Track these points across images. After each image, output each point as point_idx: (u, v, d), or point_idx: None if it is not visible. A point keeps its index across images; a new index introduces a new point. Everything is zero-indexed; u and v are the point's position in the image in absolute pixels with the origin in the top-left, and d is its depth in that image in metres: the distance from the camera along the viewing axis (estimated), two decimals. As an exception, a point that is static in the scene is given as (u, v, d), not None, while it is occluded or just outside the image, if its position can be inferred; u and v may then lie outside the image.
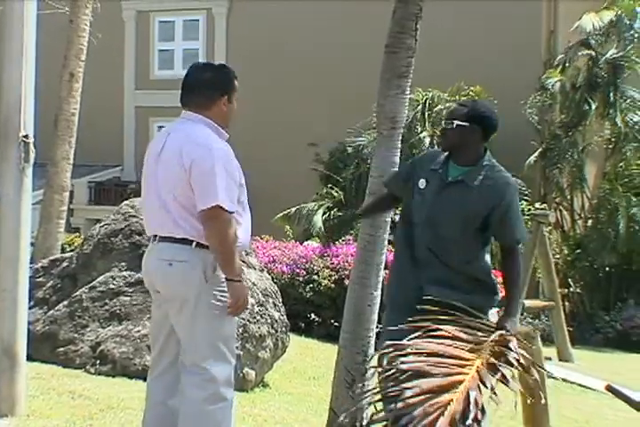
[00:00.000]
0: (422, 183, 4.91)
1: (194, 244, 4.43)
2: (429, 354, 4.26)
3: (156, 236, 4.55)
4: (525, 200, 18.53)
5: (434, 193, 4.87)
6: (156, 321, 4.72)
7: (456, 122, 4.86)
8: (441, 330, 4.39)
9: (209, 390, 4.46)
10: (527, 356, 4.46)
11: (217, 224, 4.36)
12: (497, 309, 14.81)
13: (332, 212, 19.48)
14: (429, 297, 4.65)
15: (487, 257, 4.96)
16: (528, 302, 14.20)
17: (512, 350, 4.39)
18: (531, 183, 20.75)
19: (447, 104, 20.35)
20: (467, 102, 5.11)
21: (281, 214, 18.93)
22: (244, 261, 7.78)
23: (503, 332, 4.55)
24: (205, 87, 4.58)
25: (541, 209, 16.21)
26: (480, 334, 4.50)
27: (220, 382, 4.49)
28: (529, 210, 16.08)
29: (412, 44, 5.54)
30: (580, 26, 20.77)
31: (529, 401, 4.42)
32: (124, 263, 7.97)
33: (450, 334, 4.38)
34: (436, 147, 5.00)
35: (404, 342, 4.32)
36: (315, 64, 23.94)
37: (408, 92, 5.68)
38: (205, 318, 4.46)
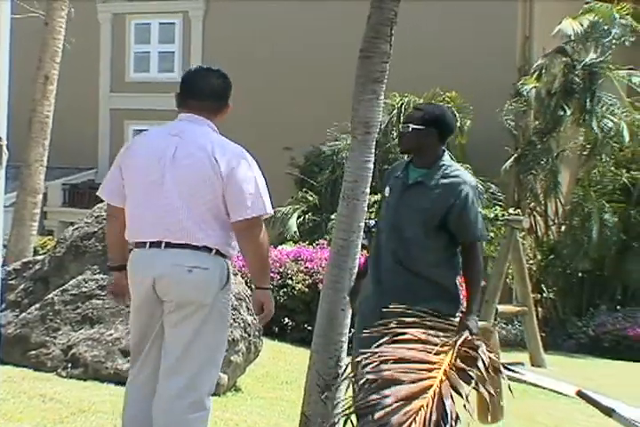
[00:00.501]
0: (387, 191, 5.08)
1: (213, 251, 4.39)
2: (396, 360, 4.28)
3: (158, 242, 4.40)
4: (499, 205, 18.62)
5: (396, 197, 5.01)
6: (141, 328, 4.57)
7: (411, 126, 5.00)
8: (407, 334, 4.43)
9: (192, 398, 4.39)
10: (495, 359, 4.50)
11: (258, 233, 4.38)
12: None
13: (307, 216, 19.50)
14: (393, 308, 4.71)
15: (455, 265, 5.01)
16: (501, 308, 14.25)
17: (479, 353, 4.42)
18: (505, 189, 20.85)
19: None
20: (422, 106, 5.27)
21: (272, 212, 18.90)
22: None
23: (466, 333, 4.62)
24: (218, 94, 4.58)
25: (515, 215, 16.28)
26: (444, 335, 4.56)
27: (204, 391, 4.45)
28: (502, 215, 16.14)
29: (386, 48, 5.54)
30: (560, 30, 20.88)
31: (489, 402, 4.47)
32: (96, 266, 7.93)
33: (416, 338, 4.42)
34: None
35: (372, 349, 4.36)
36: (289, 68, 23.97)
37: (383, 97, 5.68)
38: (212, 325, 4.43)
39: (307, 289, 12.72)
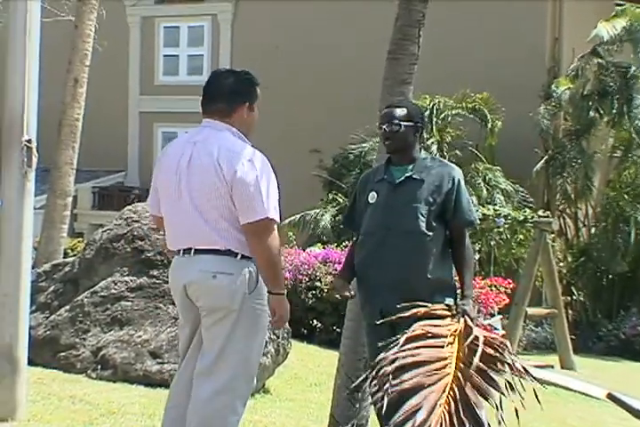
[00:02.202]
0: (372, 196, 5.11)
1: (238, 256, 4.37)
2: (415, 364, 4.34)
3: (189, 249, 4.43)
4: (529, 208, 18.54)
5: (386, 197, 5.06)
6: (184, 331, 4.61)
7: (403, 123, 5.05)
8: (418, 329, 4.51)
9: (222, 402, 4.38)
10: (519, 361, 4.52)
11: (265, 237, 4.32)
12: (500, 316, 14.64)
13: (337, 218, 19.51)
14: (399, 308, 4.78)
15: (449, 258, 5.06)
16: (530, 310, 14.21)
17: (505, 356, 4.46)
18: (534, 191, 20.76)
19: (454, 111, 20.39)
20: (401, 103, 5.28)
21: (286, 221, 18.93)
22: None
23: (467, 318, 4.73)
24: (227, 94, 4.49)
25: (544, 217, 16.20)
26: (448, 323, 4.63)
27: (236, 396, 4.43)
28: (532, 217, 16.07)
29: (414, 50, 5.56)
30: (596, 35, 20.79)
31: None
32: (125, 268, 7.97)
33: (423, 332, 4.50)
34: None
35: (389, 356, 4.42)
36: (319, 70, 23.96)
37: (410, 99, 5.68)
38: (244, 329, 4.41)
39: (335, 291, 12.69)
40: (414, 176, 5.03)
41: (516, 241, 18.95)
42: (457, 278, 5.10)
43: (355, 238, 5.32)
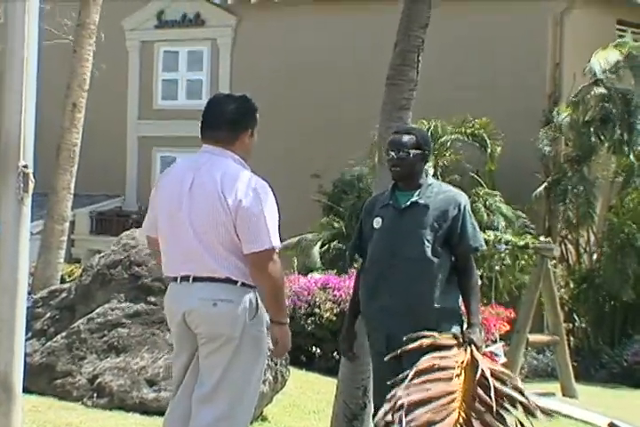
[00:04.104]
0: (377, 222, 5.12)
1: (239, 283, 4.38)
2: (425, 401, 4.33)
3: (187, 276, 4.44)
4: (530, 233, 18.53)
5: (391, 222, 5.08)
6: (179, 360, 4.59)
7: (412, 151, 5.07)
8: (425, 363, 4.49)
9: None
10: (528, 397, 4.52)
11: (269, 266, 4.33)
12: (502, 342, 14.55)
13: (333, 244, 19.49)
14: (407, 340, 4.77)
15: (454, 285, 5.04)
16: (532, 337, 14.17)
17: (513, 393, 4.45)
18: (535, 217, 20.77)
19: (452, 136, 20.46)
20: (409, 130, 5.32)
21: (281, 245, 18.91)
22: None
23: (473, 349, 4.70)
24: (230, 122, 4.49)
25: (546, 242, 16.19)
26: (454, 353, 4.61)
27: (237, 423, 4.42)
28: (533, 243, 16.06)
29: (413, 76, 5.59)
30: (589, 68, 20.89)
31: None
32: (122, 295, 7.96)
33: (430, 365, 4.48)
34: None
35: (398, 393, 4.41)
36: (320, 94, 24.01)
37: (409, 124, 5.71)
38: (244, 357, 4.40)
39: (334, 318, 12.67)
40: (420, 201, 5.05)
41: (517, 267, 18.94)
42: (463, 305, 5.10)
43: (360, 266, 5.31)
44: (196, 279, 4.42)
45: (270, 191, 4.44)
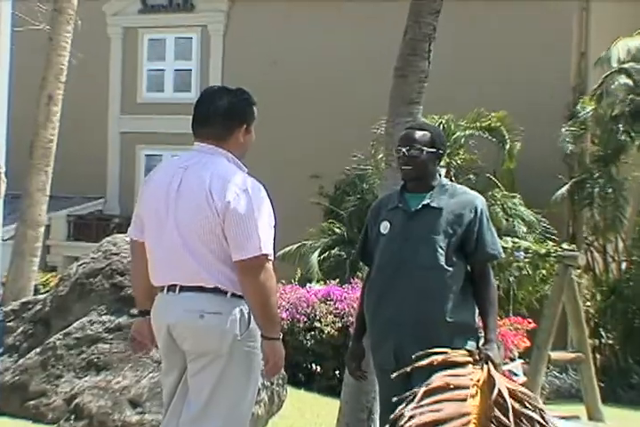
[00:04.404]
0: (385, 226, 5.11)
1: (228, 294, 4.38)
2: (433, 424, 4.34)
3: (173, 285, 4.45)
4: (552, 240, 18.55)
5: (400, 227, 5.06)
6: (168, 378, 4.61)
7: (426, 149, 5.06)
8: (436, 382, 4.49)
9: None
10: (550, 420, 4.53)
11: (259, 275, 4.31)
12: (521, 360, 14.57)
13: (333, 251, 19.49)
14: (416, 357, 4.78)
15: (472, 297, 5.04)
16: (554, 355, 14.15)
17: (534, 416, 4.46)
18: (558, 221, 20.75)
19: (466, 132, 20.46)
20: (423, 126, 5.34)
21: (281, 252, 18.95)
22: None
23: (490, 366, 4.68)
24: (222, 117, 4.49)
25: (569, 250, 16.21)
26: (466, 371, 4.61)
27: None
28: (555, 251, 16.08)
29: (424, 67, 5.60)
30: (607, 55, 20.86)
31: None
32: (103, 307, 7.97)
33: (442, 384, 4.48)
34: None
35: (406, 413, 4.41)
36: (322, 87, 24.03)
37: (420, 120, 5.72)
38: (235, 375, 4.41)
39: (337, 333, 12.68)
40: (432, 204, 5.04)
41: (537, 277, 18.95)
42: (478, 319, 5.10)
43: (366, 275, 5.32)
44: (183, 289, 4.42)
45: (265, 194, 4.44)
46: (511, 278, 18.50)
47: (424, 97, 5.66)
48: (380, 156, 17.71)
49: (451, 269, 4.97)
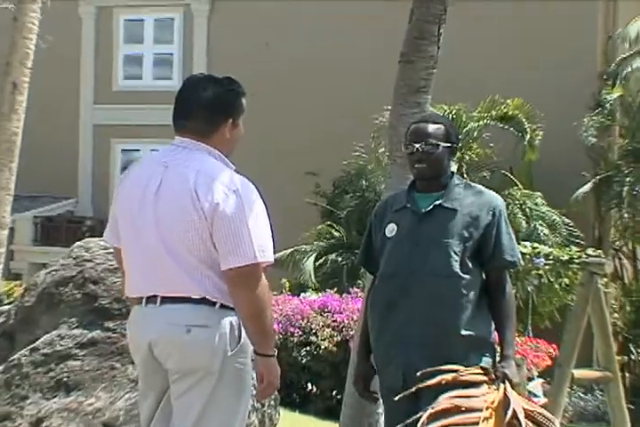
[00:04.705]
0: (391, 229, 5.09)
1: (217, 305, 4.37)
2: None
3: (154, 296, 4.43)
4: (576, 244, 18.54)
5: (409, 230, 5.05)
6: (146, 401, 4.61)
7: (441, 144, 5.06)
8: (445, 403, 4.50)
9: None
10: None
11: (252, 286, 4.30)
12: (541, 380, 14.63)
13: (331, 256, 19.51)
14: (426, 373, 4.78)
15: (486, 308, 5.06)
16: (578, 373, 14.15)
17: None
18: (583, 223, 20.74)
19: (479, 123, 20.43)
20: (437, 118, 5.36)
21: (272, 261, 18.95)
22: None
23: (507, 385, 4.69)
24: (206, 110, 4.48)
25: (595, 256, 16.19)
26: (483, 392, 4.60)
27: None
28: (579, 257, 16.07)
29: (433, 52, 5.61)
30: (622, 34, 20.89)
31: None
32: (74, 319, 7.96)
33: (451, 406, 4.48)
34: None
35: None
36: (318, 74, 24.04)
37: (428, 110, 5.73)
38: (225, 395, 4.40)
39: (335, 348, 12.71)
40: (445, 205, 5.03)
41: (559, 286, 18.96)
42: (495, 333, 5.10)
43: (370, 284, 5.31)
44: (165, 300, 4.41)
45: (257, 194, 4.42)
46: (530, 288, 18.48)
47: (433, 85, 5.66)
48: (382, 150, 17.73)
49: (466, 276, 4.97)
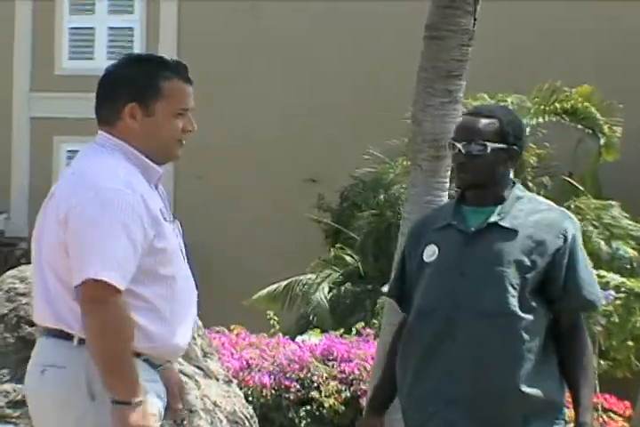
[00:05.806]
0: (431, 252, 5.07)
1: (75, 339, 4.39)
2: None
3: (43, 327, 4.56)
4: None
5: (455, 254, 5.03)
6: None
7: (490, 144, 5.03)
8: None
9: None
10: None
11: (93, 310, 4.27)
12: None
13: (344, 287, 19.53)
14: None
15: (554, 360, 5.04)
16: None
17: None
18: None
19: (541, 118, 20.37)
20: (489, 110, 5.29)
21: (264, 292, 18.97)
22: (199, 368, 7.79)
23: None
24: (104, 90, 4.56)
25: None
26: None
27: None
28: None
29: (467, 25, 5.59)
30: None
31: None
32: (6, 371, 8.00)
33: None
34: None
35: None
36: (316, 54, 24.14)
37: (462, 100, 5.75)
38: None
39: (342, 407, 12.72)
40: (502, 223, 5.01)
41: (633, 326, 18.96)
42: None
43: (401, 322, 5.32)
44: (44, 332, 4.53)
45: (134, 200, 4.36)
46: (597, 328, 18.47)
47: (468, 68, 5.67)
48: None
49: (527, 317, 4.94)
